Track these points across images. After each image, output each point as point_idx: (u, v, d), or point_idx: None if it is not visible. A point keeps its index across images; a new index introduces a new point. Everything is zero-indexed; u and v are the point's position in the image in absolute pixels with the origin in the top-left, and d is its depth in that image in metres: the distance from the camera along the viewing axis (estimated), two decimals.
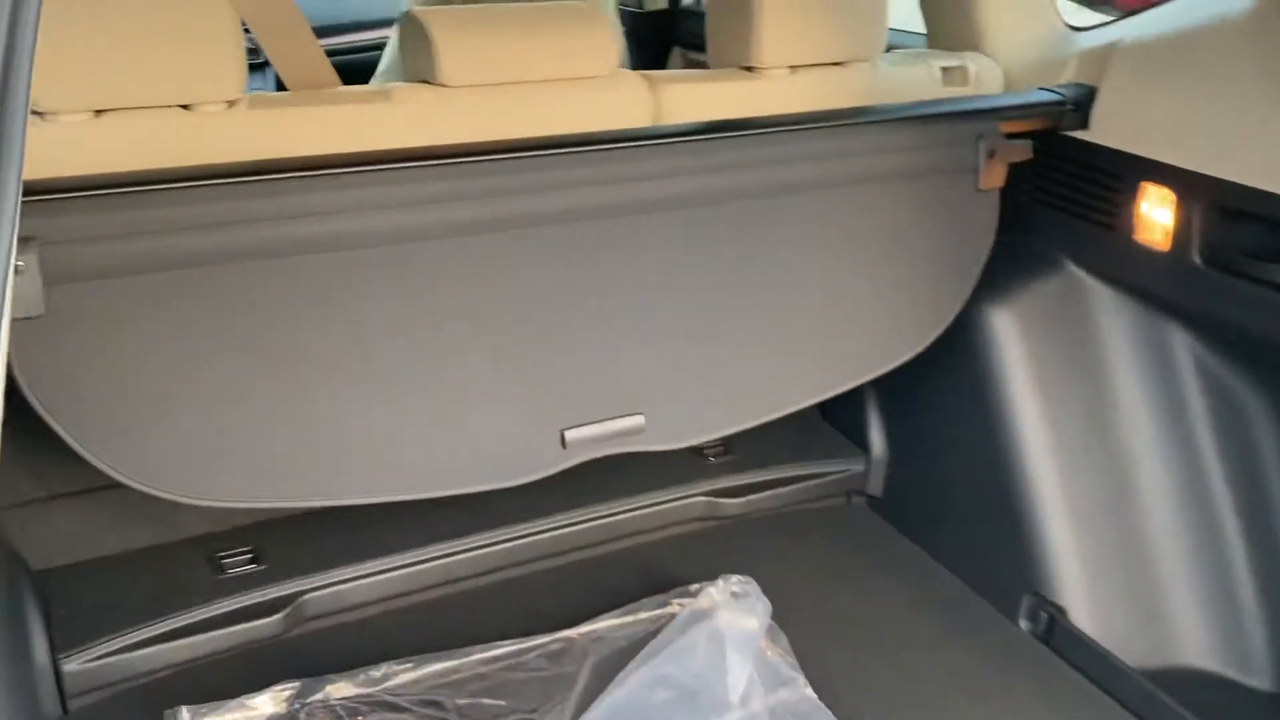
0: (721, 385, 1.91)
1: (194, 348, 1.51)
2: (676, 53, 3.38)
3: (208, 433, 1.54)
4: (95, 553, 1.94)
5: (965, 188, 2.00)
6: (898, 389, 2.30)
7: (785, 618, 2.03)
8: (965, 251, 2.04)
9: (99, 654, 1.78)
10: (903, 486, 2.39)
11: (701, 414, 1.90)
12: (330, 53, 1.77)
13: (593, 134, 1.72)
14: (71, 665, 1.76)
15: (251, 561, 1.96)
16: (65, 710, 1.79)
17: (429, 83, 1.71)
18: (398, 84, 1.73)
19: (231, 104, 1.58)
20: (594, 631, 2.01)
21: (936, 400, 2.25)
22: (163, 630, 1.84)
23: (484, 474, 1.73)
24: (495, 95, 1.72)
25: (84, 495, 1.76)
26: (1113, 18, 2.16)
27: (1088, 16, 2.32)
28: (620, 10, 3.31)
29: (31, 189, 1.37)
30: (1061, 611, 2.00)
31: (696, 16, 3.39)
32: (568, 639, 1.99)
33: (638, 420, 1.82)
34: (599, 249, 1.75)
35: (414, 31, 1.72)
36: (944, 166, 1.98)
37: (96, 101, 1.50)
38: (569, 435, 1.76)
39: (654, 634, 1.97)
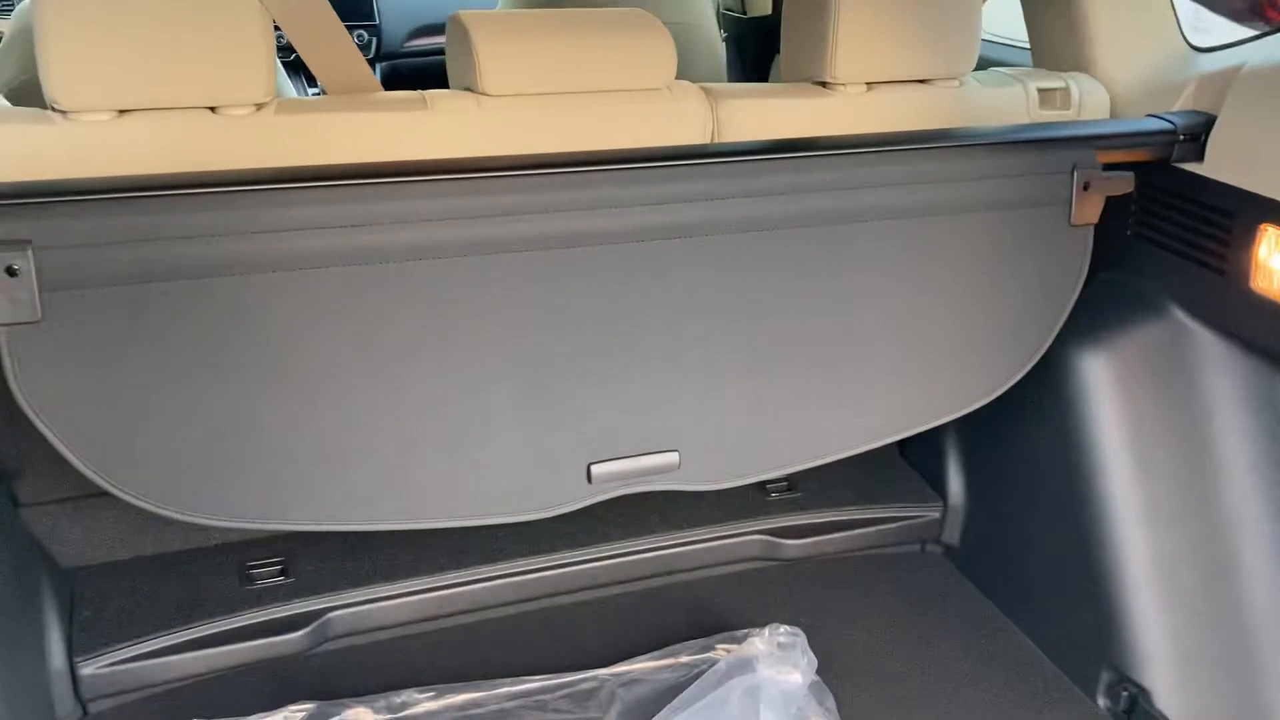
0: (769, 424, 1.78)
1: (196, 361, 1.45)
2: (779, 60, 3.23)
3: (204, 449, 1.48)
4: (128, 553, 1.92)
5: (1055, 222, 1.82)
6: (980, 430, 2.13)
7: (835, 674, 1.89)
8: (1053, 289, 1.86)
9: (116, 660, 1.75)
10: (981, 538, 2.21)
11: (744, 454, 1.77)
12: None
13: (641, 150, 1.61)
14: (88, 669, 1.73)
15: (281, 574, 1.92)
16: (85, 712, 1.78)
17: (471, 90, 1.63)
18: (438, 91, 1.65)
19: (259, 107, 1.52)
20: (628, 673, 1.90)
21: (1020, 446, 2.07)
22: (184, 639, 1.80)
23: (501, 506, 1.64)
24: (540, 106, 1.63)
25: (114, 495, 1.73)
26: (1252, 34, 1.95)
27: (1220, 33, 2.11)
28: (724, 15, 3.20)
29: (26, 191, 1.33)
30: (1145, 694, 1.81)
31: None
32: (598, 678, 1.89)
33: (671, 458, 1.70)
34: (641, 273, 1.64)
35: (457, 36, 1.64)
36: (1032, 198, 1.80)
37: (119, 101, 1.46)
38: (595, 470, 1.66)
39: (690, 680, 1.86)
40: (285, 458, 1.52)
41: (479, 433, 1.60)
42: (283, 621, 1.86)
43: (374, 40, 3.83)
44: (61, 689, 1.72)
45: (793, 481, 2.22)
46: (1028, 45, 2.17)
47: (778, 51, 3.24)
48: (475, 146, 1.56)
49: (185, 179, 1.39)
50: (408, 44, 3.90)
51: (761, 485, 2.20)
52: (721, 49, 3.06)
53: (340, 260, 1.49)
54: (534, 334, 1.60)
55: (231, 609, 1.85)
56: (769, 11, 3.28)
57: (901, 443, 2.30)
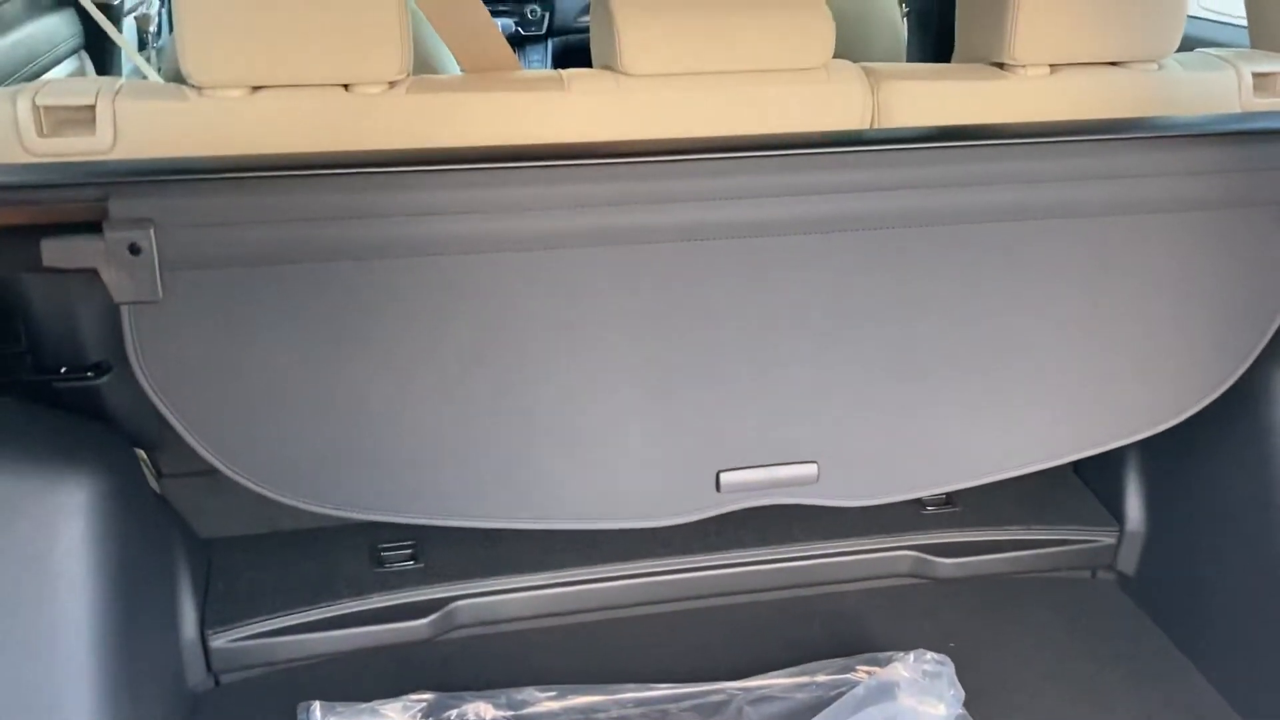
0: (922, 438, 1.63)
1: (321, 347, 1.42)
2: None
3: (327, 436, 1.45)
4: (264, 528, 1.93)
5: (1266, 225, 1.60)
6: (1167, 449, 1.92)
7: (984, 708, 1.74)
8: (1258, 300, 1.65)
9: (245, 634, 1.76)
10: (1162, 567, 2.00)
11: (892, 470, 1.63)
12: None
13: (792, 136, 1.49)
14: (219, 641, 1.75)
15: (411, 558, 1.89)
16: (217, 683, 1.80)
17: (611, 69, 1.54)
18: (577, 70, 1.56)
19: (393, 85, 1.48)
20: (759, 688, 1.80)
21: (1212, 472, 1.86)
22: (313, 619, 1.80)
23: (626, 511, 1.55)
24: (684, 86, 1.53)
25: None
26: None
27: None
28: None
29: (148, 170, 1.32)
30: None
31: None
32: (727, 692, 1.79)
33: (809, 470, 1.58)
34: (787, 269, 1.52)
35: (600, 10, 1.56)
36: (1240, 196, 1.59)
37: (253, 78, 1.44)
38: (725, 478, 1.55)
39: (825, 703, 1.74)
40: (410, 449, 1.47)
41: (606, 433, 1.52)
42: (410, 607, 1.83)
43: (546, 15, 3.80)
44: (193, 659, 1.74)
45: (951, 495, 2.06)
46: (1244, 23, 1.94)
47: None
48: (614, 129, 1.48)
49: (311, 159, 1.35)
50: (579, 19, 3.85)
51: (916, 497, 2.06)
52: (902, 26, 2.88)
53: (471, 247, 1.42)
54: (668, 330, 1.50)
55: (359, 591, 1.84)
56: None
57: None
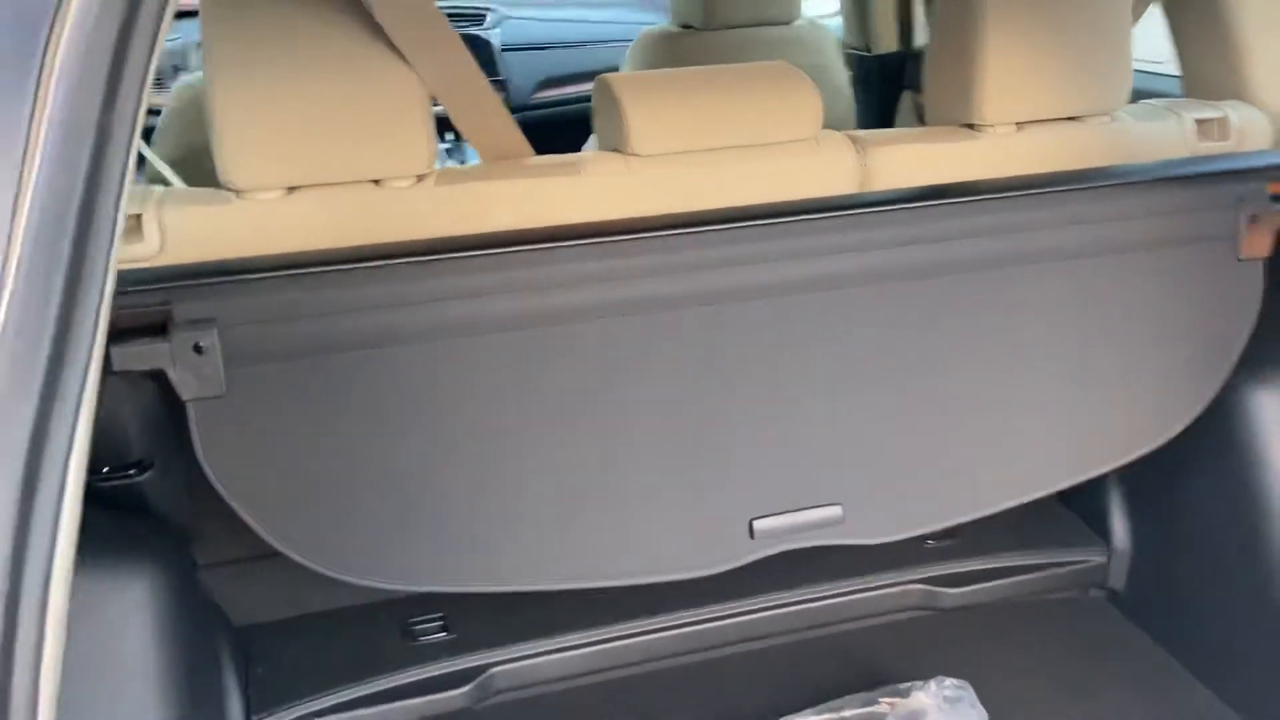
0: (933, 475, 1.75)
1: (369, 429, 1.49)
2: (907, 98, 3.20)
3: (379, 514, 1.52)
4: (296, 611, 1.98)
5: (1223, 257, 1.75)
6: (1147, 471, 2.05)
7: None
8: (1223, 328, 1.79)
9: (292, 717, 1.80)
10: (1150, 582, 2.12)
11: (908, 506, 1.74)
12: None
13: (794, 203, 1.61)
14: None
15: (443, 629, 1.94)
16: None
17: (620, 151, 1.65)
18: (589, 154, 1.67)
19: (420, 178, 1.57)
20: None
21: (1193, 490, 1.99)
22: (354, 696, 1.84)
23: (665, 564, 1.64)
24: (689, 163, 1.64)
25: (285, 556, 1.79)
26: None
27: None
28: (847, 54, 3.18)
29: (210, 271, 1.39)
30: None
31: None
32: None
33: (835, 511, 1.68)
34: (797, 326, 1.63)
35: (604, 98, 1.67)
36: (1198, 234, 1.74)
37: (289, 179, 1.52)
38: (758, 525, 1.64)
39: None
40: (455, 521, 1.54)
41: (640, 491, 1.61)
42: (446, 678, 1.88)
43: (501, 96, 3.92)
44: None
45: (950, 529, 2.17)
46: (1176, 73, 2.11)
47: (904, 89, 3.24)
48: (628, 207, 1.58)
49: (354, 253, 1.43)
50: (534, 96, 3.98)
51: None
52: (849, 90, 3.05)
53: (502, 326, 1.51)
54: (692, 390, 1.60)
55: (396, 666, 1.88)
56: (895, 47, 3.26)
57: None
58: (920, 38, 3.23)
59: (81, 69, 0.66)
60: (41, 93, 0.66)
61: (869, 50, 3.28)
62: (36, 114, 0.66)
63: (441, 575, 1.57)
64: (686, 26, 2.89)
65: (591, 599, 1.98)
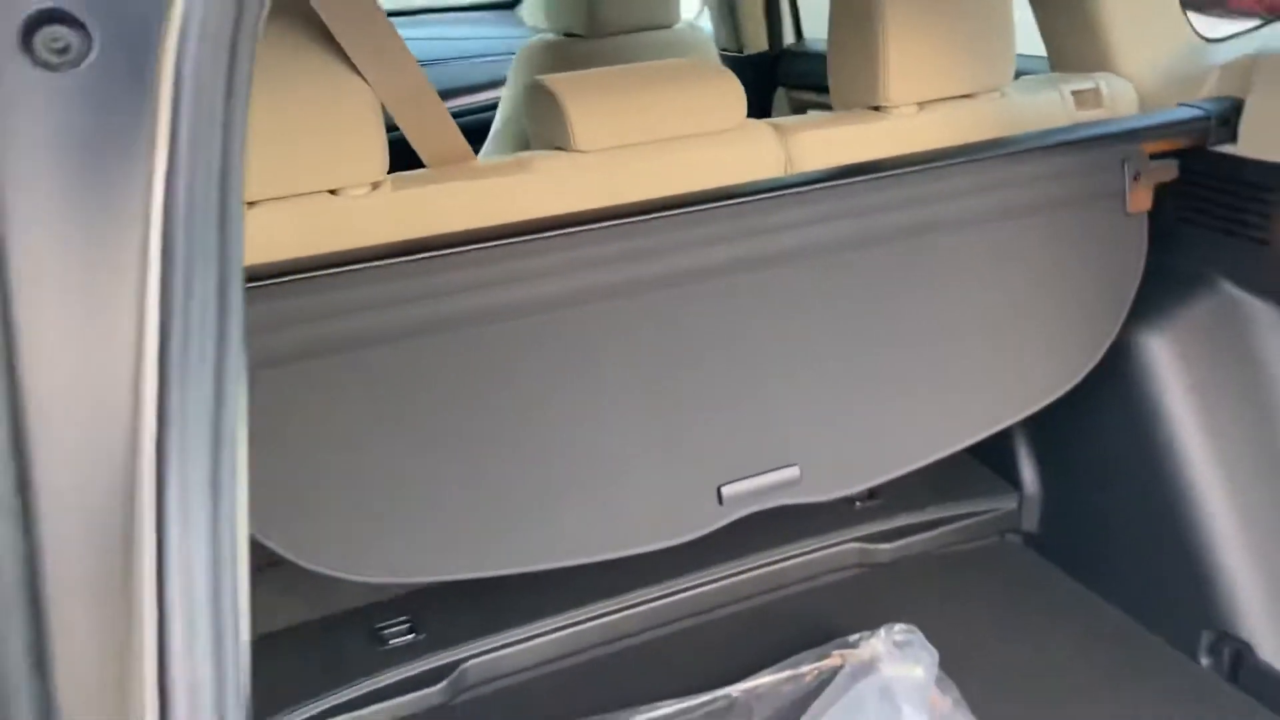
0: (873, 433, 1.88)
1: (352, 428, 1.53)
2: (781, 94, 3.36)
3: (369, 510, 1.56)
4: (261, 629, 1.98)
5: (1112, 213, 1.94)
6: (1049, 421, 2.23)
7: (949, 665, 1.97)
8: (1116, 279, 1.98)
9: None
10: (1059, 522, 2.31)
11: (855, 462, 1.87)
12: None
13: (728, 188, 1.71)
14: None
15: (410, 631, 1.98)
16: None
17: (563, 149, 1.72)
18: (533, 153, 1.74)
19: (376, 186, 1.61)
20: (756, 688, 1.97)
21: (1093, 431, 2.18)
22: (329, 705, 1.86)
23: (644, 535, 1.72)
24: (629, 156, 1.72)
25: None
26: (1247, 26, 2.08)
27: (1220, 28, 2.24)
28: (721, 56, 3.32)
29: None
30: (1249, 647, 1.91)
31: (800, 56, 3.38)
32: (730, 696, 1.96)
33: (793, 472, 1.79)
34: (743, 302, 1.74)
35: (543, 100, 1.74)
36: (1088, 193, 1.92)
37: (248, 194, 1.54)
38: (726, 491, 1.74)
39: (819, 689, 1.93)
40: (445, 513, 1.59)
41: (616, 467, 1.68)
42: (419, 678, 1.92)
43: None
44: None
45: (874, 490, 2.31)
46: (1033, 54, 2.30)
47: (778, 85, 3.39)
48: (574, 201, 1.65)
49: (334, 258, 1.47)
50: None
51: (847, 497, 2.29)
52: None
53: (472, 320, 1.57)
54: (655, 369, 1.69)
55: (368, 672, 1.91)
56: (765, 48, 3.41)
57: None
58: (788, 37, 3.39)
59: (207, 67, 0.69)
60: (169, 90, 0.68)
61: (740, 51, 3.42)
62: (167, 113, 0.68)
63: (432, 566, 1.61)
64: (571, 35, 2.97)
65: (555, 584, 2.04)
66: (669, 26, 3.01)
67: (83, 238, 0.66)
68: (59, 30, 0.64)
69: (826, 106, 2.12)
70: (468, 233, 1.56)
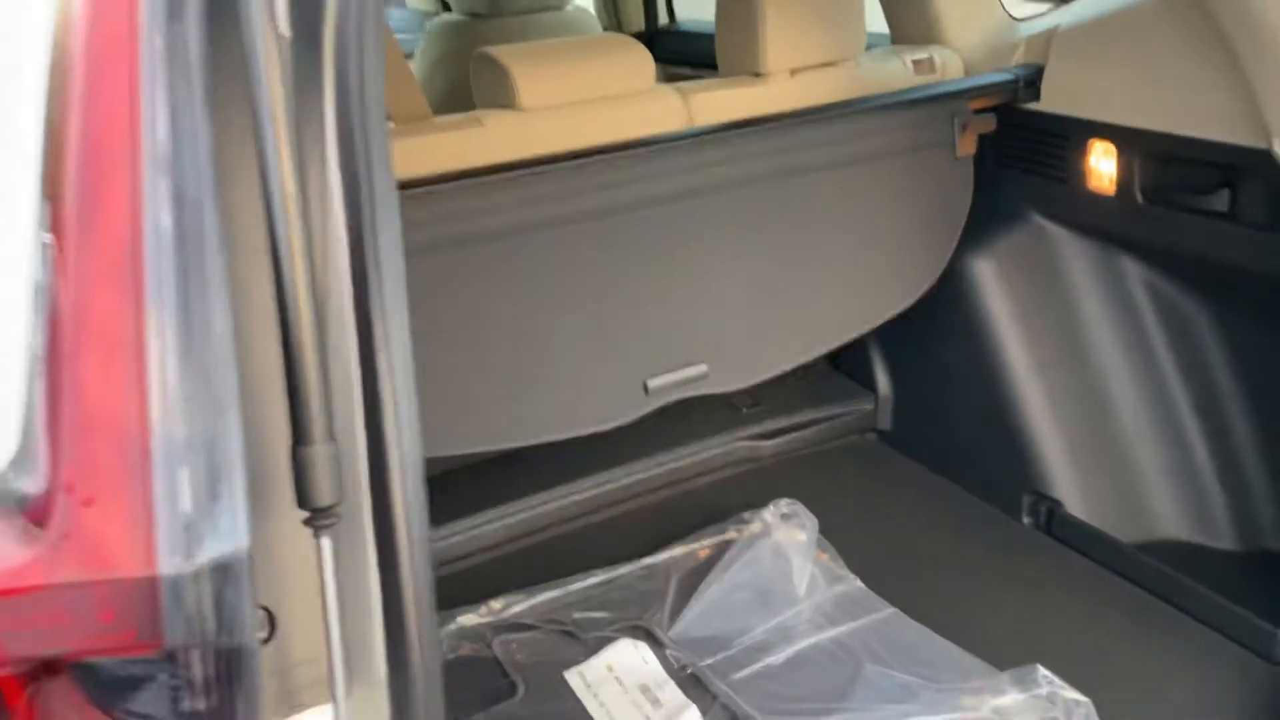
0: (761, 337, 2.30)
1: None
2: (658, 69, 3.75)
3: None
4: None
5: (945, 158, 2.40)
6: (898, 336, 2.70)
7: (825, 536, 2.41)
8: (949, 212, 2.45)
9: None
10: (908, 419, 2.78)
11: (750, 361, 2.29)
12: None
13: (644, 138, 2.09)
14: None
15: None
16: None
17: (510, 108, 2.08)
18: (484, 111, 2.09)
19: None
20: (672, 557, 2.38)
21: (932, 342, 2.65)
22: None
23: (588, 419, 2.11)
24: (565, 114, 2.09)
25: None
26: (1047, 8, 2.57)
27: (1025, 9, 2.73)
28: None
29: None
30: (1059, 505, 2.40)
31: (674, 35, 3.78)
32: (651, 565, 2.36)
33: (703, 369, 2.20)
34: (659, 231, 2.14)
35: (490, 68, 2.09)
36: (926, 142, 2.38)
37: None
38: (650, 384, 2.14)
39: (721, 554, 2.35)
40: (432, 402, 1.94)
41: (564, 366, 2.06)
42: None
43: None
44: None
45: (756, 398, 2.74)
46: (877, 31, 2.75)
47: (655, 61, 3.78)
48: (522, 149, 2.00)
49: None
50: None
51: (734, 405, 2.72)
52: None
53: (451, 244, 1.92)
54: (595, 285, 2.08)
55: None
56: (643, 28, 3.80)
57: (833, 356, 2.85)
58: (662, 17, 3.80)
59: (352, 41, 1.02)
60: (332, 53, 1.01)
61: (620, 29, 3.81)
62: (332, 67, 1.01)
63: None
64: (473, 15, 3.30)
65: (498, 480, 2.41)
66: (560, 9, 3.37)
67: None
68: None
69: (698, 79, 2.53)
70: (445, 174, 1.90)
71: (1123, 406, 2.40)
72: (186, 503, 0.73)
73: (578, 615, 2.19)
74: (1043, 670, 1.86)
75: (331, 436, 0.90)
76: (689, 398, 2.28)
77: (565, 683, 2.04)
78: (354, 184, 0.98)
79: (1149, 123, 2.14)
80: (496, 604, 2.24)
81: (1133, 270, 2.39)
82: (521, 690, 2.03)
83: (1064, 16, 2.40)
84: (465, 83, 2.23)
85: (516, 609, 2.25)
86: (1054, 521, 2.42)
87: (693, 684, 2.02)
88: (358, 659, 0.95)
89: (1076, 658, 1.98)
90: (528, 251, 2.01)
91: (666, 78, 3.74)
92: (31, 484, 0.73)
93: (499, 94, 2.09)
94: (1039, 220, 2.45)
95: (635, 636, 2.13)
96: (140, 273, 0.77)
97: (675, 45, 3.72)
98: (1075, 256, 2.43)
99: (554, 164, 1.96)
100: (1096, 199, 2.30)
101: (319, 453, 0.89)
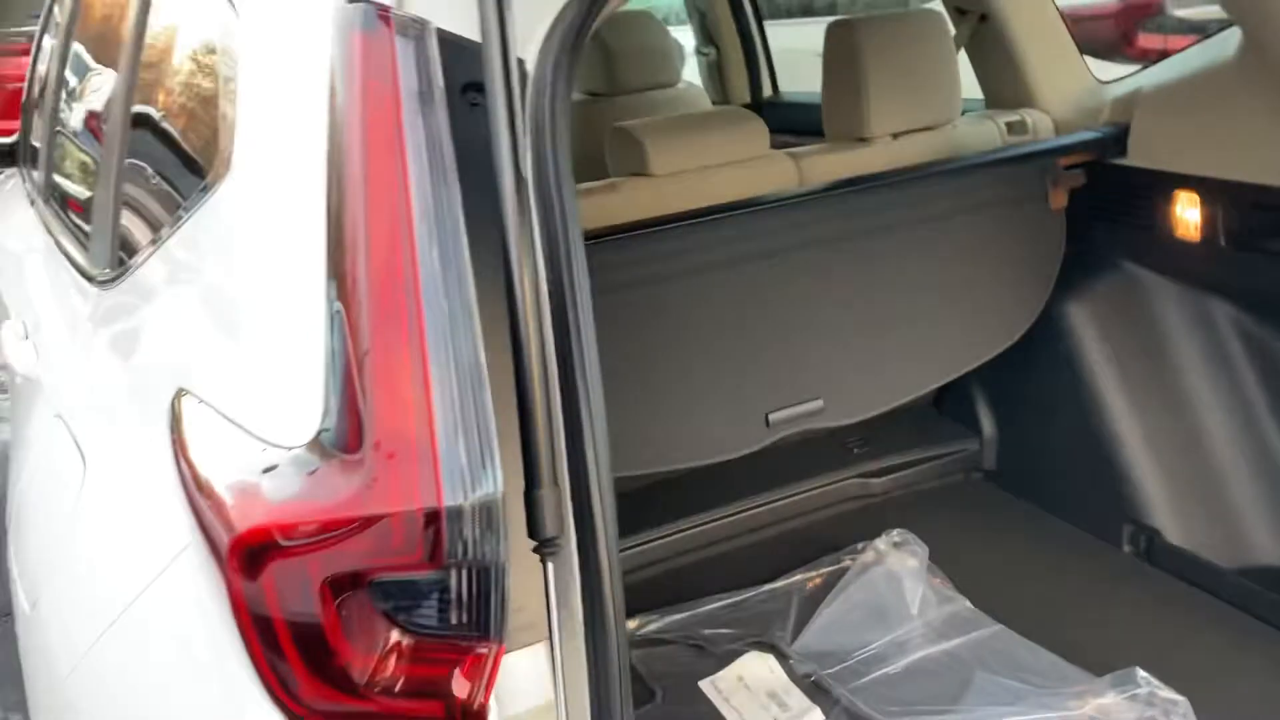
0: (872, 375, 2.52)
1: None
2: None
3: None
4: None
5: (1039, 211, 2.60)
6: (999, 379, 2.88)
7: (934, 563, 2.57)
8: (1044, 260, 2.64)
9: None
10: (1011, 458, 2.95)
11: (861, 397, 2.50)
12: None
13: (762, 196, 2.34)
14: None
15: None
16: None
17: (640, 175, 2.35)
18: (618, 179, 2.37)
19: None
20: (792, 583, 2.57)
21: (1032, 384, 2.83)
22: None
23: (710, 450, 2.33)
24: (689, 177, 2.35)
25: None
26: (1132, 70, 2.78)
27: (1111, 71, 2.94)
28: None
29: None
30: (1158, 533, 2.54)
31: (778, 106, 4.05)
32: (773, 589, 2.56)
33: (818, 404, 2.42)
34: (778, 279, 2.38)
35: (625, 140, 2.37)
36: (1021, 196, 2.58)
37: None
38: (772, 417, 2.37)
39: (837, 580, 2.53)
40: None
41: (691, 399, 2.31)
42: None
43: None
44: None
45: (866, 438, 2.94)
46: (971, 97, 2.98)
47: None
48: (652, 210, 2.26)
49: None
50: None
51: (845, 444, 2.92)
52: None
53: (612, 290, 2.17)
54: (723, 327, 2.32)
55: None
56: (748, 100, 4.08)
57: (938, 399, 3.04)
58: (766, 90, 4.08)
59: (545, 112, 1.27)
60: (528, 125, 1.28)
61: (727, 102, 4.10)
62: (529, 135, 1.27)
63: None
64: (593, 95, 3.61)
65: (638, 507, 2.64)
66: (673, 85, 3.67)
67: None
68: (475, 95, 1.22)
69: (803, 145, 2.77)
70: (599, 229, 2.15)
71: (1216, 439, 2.54)
72: (463, 458, 0.98)
73: (707, 632, 2.39)
74: (1141, 672, 2.01)
75: (555, 481, 1.12)
76: (805, 438, 2.49)
77: (699, 691, 2.25)
78: (553, 240, 1.20)
79: (1230, 173, 2.32)
80: (632, 624, 2.46)
81: (1221, 311, 2.53)
82: (659, 697, 2.23)
83: (1146, 79, 2.60)
84: (587, 154, 2.51)
85: (651, 628, 2.46)
86: (1154, 549, 2.56)
87: (816, 691, 2.21)
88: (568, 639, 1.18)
89: (1176, 670, 2.12)
90: (664, 298, 2.26)
91: (774, 145, 4.04)
92: (354, 443, 1.00)
93: (632, 162, 2.36)
94: (1130, 267, 2.62)
95: (762, 650, 2.33)
96: (420, 317, 1.02)
97: (781, 114, 3.98)
98: (1166, 300, 2.59)
99: (686, 221, 2.22)
100: (1184, 246, 2.46)
101: (547, 496, 1.10)
